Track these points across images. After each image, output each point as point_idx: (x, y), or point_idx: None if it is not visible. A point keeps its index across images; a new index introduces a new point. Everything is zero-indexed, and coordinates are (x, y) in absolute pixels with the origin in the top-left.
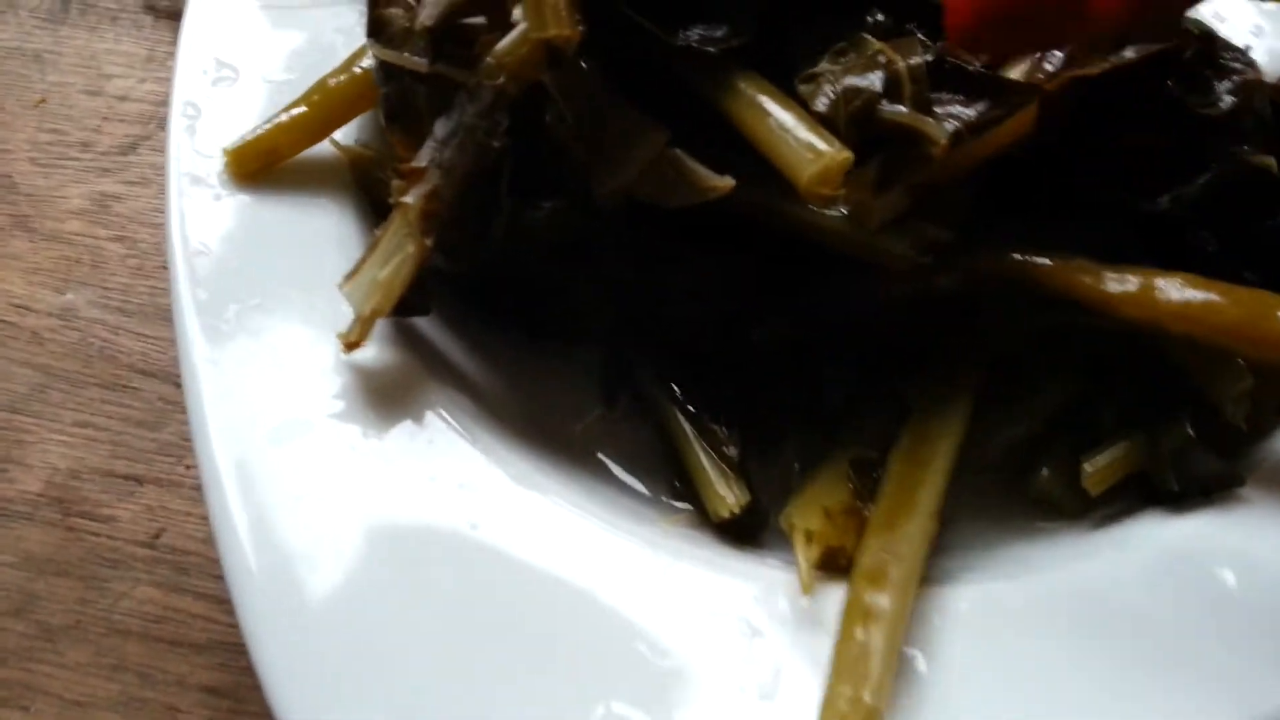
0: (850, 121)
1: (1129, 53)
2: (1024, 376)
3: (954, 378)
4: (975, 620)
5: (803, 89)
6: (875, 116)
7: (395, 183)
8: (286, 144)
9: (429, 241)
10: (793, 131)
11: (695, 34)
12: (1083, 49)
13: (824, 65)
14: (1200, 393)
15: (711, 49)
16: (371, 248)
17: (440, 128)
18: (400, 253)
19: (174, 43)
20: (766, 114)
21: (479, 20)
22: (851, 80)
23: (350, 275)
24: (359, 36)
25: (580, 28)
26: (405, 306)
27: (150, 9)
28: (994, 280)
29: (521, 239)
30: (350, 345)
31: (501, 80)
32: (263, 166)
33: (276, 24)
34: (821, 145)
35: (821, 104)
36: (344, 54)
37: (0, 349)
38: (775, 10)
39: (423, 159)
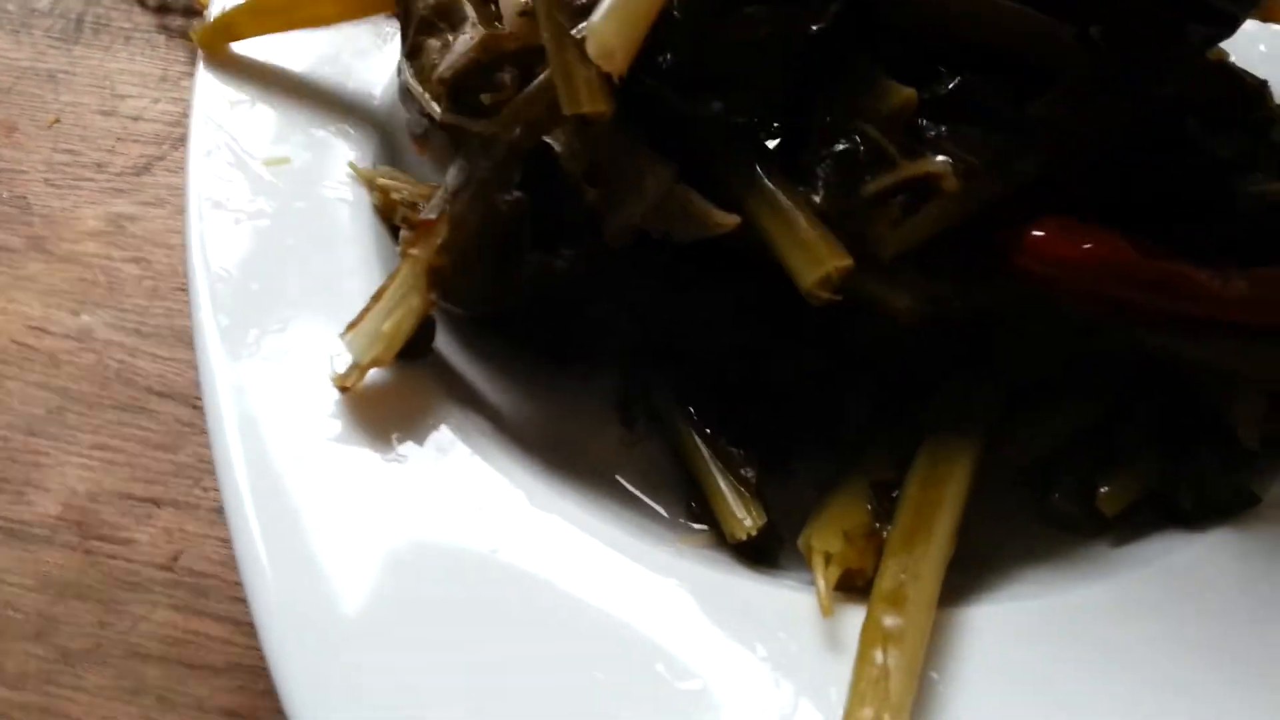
0: (844, 214)
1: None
2: (1041, 399)
3: (971, 401)
4: (993, 640)
5: (804, 188)
6: (865, 192)
7: (404, 234)
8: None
9: (434, 296)
10: (798, 234)
11: (716, 106)
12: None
13: (820, 152)
14: (1215, 415)
15: (736, 119)
16: (375, 298)
17: (452, 178)
18: (404, 306)
19: (188, 63)
20: (775, 210)
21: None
22: (842, 166)
23: (352, 325)
24: (375, 59)
25: (612, 103)
26: (405, 353)
27: (164, 29)
28: (1012, 306)
29: (544, 286)
30: (343, 389)
31: (517, 133)
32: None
33: (294, 48)
34: (823, 250)
35: (821, 198)
36: (362, 76)
37: (17, 371)
38: (795, 83)
39: (432, 210)
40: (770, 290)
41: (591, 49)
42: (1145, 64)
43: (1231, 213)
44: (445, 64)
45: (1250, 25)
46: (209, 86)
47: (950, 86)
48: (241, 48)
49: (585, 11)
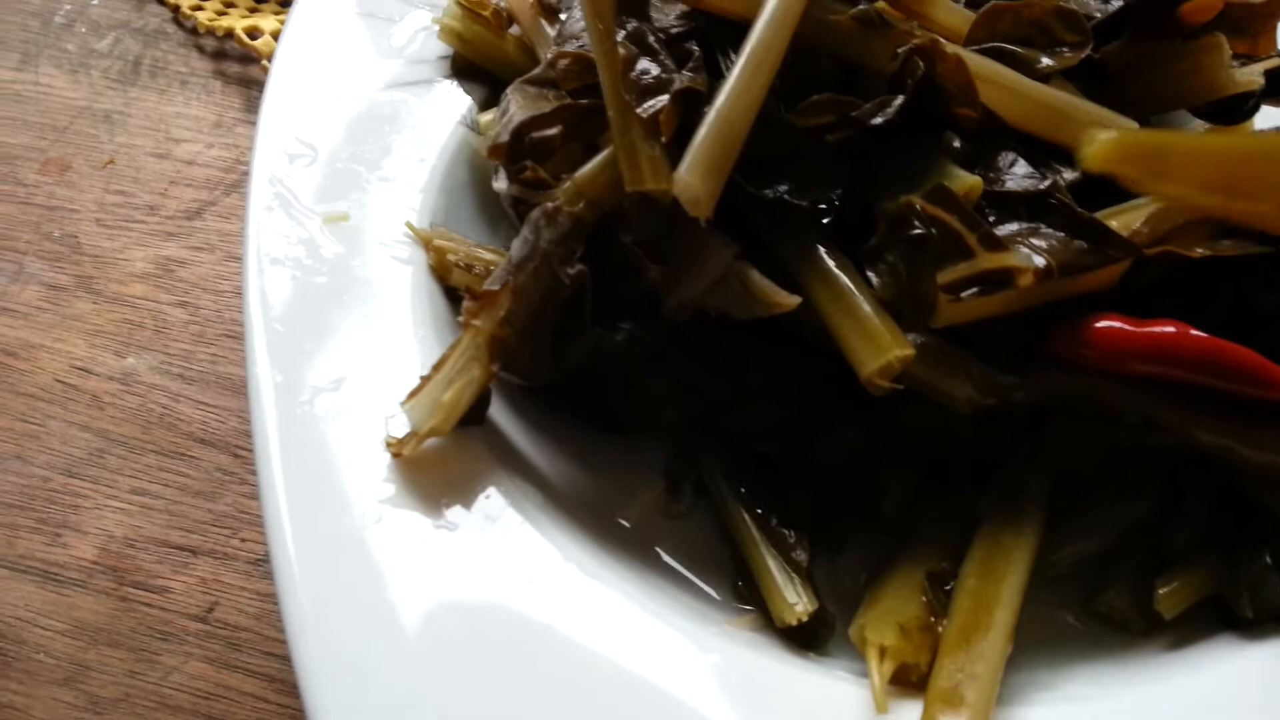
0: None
1: (1226, 242)
2: (1094, 492)
3: (1024, 490)
4: None
5: (870, 271)
6: (941, 280)
7: (466, 304)
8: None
9: (495, 367)
10: (860, 320)
11: (781, 188)
12: (1190, 220)
13: (890, 236)
14: (1276, 519)
15: (802, 202)
16: (437, 366)
17: (516, 249)
18: (465, 375)
19: (242, 109)
20: (837, 295)
21: (553, 132)
22: (915, 253)
23: (413, 393)
24: (432, 122)
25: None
26: (461, 421)
27: (220, 75)
28: (1069, 398)
29: (601, 359)
30: (397, 455)
31: (580, 207)
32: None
33: (354, 107)
34: (885, 339)
35: (882, 284)
36: (421, 138)
37: (59, 410)
38: (859, 169)
39: (496, 281)
40: (821, 369)
41: (680, 197)
42: None
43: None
44: (499, 129)
45: None
46: (271, 141)
47: (1026, 183)
48: (302, 105)
49: (650, 91)
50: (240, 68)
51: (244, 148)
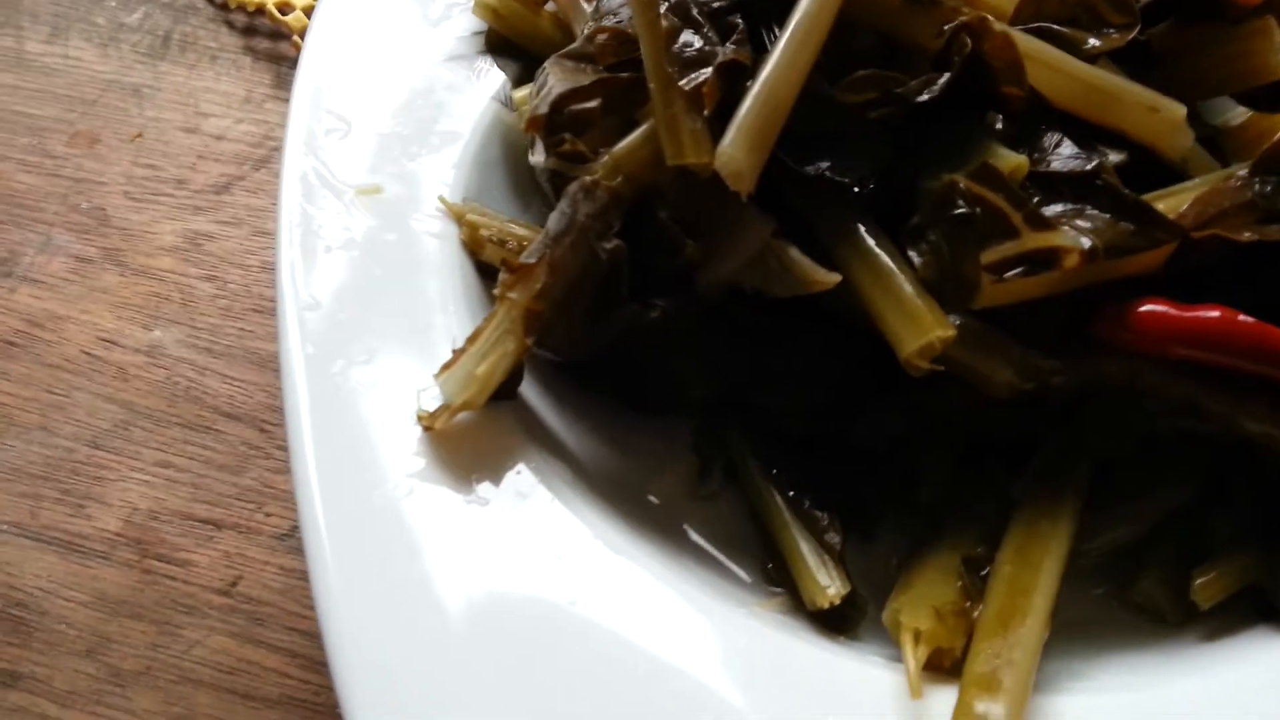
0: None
1: (1274, 226)
2: (1132, 478)
3: (1061, 475)
4: None
5: (911, 250)
6: (984, 260)
7: (502, 277)
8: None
9: (530, 341)
10: (901, 300)
11: (822, 165)
12: (1236, 203)
13: (932, 215)
14: None
15: (844, 179)
16: (471, 339)
17: (554, 223)
18: (500, 349)
19: (272, 85)
20: (877, 274)
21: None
22: (958, 232)
23: (447, 365)
24: (468, 95)
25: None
26: (495, 394)
27: (249, 50)
28: (1110, 382)
29: (635, 336)
30: (429, 428)
31: (618, 180)
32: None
33: (389, 79)
34: (927, 319)
35: (923, 264)
36: (454, 111)
37: (85, 382)
38: (902, 146)
39: (532, 255)
40: (857, 350)
41: (722, 170)
42: None
43: None
44: (537, 103)
45: None
46: (304, 114)
47: (1071, 164)
48: (336, 78)
49: (693, 64)
50: (270, 44)
51: (273, 124)
